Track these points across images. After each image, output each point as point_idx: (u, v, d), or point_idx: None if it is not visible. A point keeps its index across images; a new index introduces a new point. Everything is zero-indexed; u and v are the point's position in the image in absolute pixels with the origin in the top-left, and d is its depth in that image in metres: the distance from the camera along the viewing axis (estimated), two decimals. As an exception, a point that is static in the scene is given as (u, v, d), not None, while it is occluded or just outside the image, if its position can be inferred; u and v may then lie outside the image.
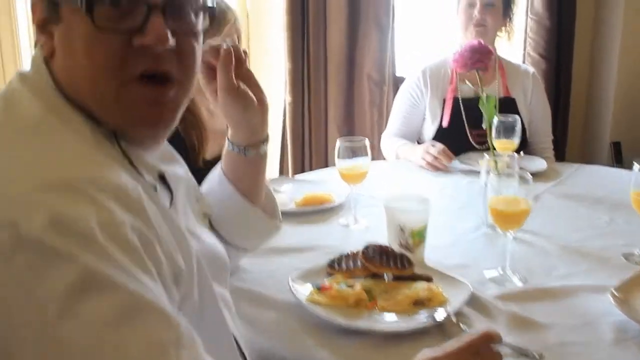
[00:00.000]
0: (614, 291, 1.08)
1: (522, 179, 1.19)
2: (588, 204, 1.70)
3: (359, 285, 1.09)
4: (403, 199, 1.33)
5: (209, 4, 0.77)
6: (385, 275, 1.13)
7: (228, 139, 1.09)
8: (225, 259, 0.95)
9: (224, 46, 0.97)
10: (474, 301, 1.10)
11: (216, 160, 1.72)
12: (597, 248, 1.38)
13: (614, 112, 3.03)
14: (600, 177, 2.02)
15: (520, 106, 2.26)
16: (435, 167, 2.02)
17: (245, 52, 1.02)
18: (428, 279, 1.14)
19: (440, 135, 2.21)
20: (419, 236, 1.27)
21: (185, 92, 0.77)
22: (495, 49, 2.25)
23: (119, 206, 0.61)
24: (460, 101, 2.21)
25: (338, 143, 1.53)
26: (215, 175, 1.13)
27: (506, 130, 1.84)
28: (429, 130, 2.26)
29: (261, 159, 1.09)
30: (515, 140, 1.85)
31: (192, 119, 1.56)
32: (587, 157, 3.09)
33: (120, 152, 0.73)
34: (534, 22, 2.93)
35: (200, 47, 0.78)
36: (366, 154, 1.52)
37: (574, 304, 1.12)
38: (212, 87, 1.01)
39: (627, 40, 2.95)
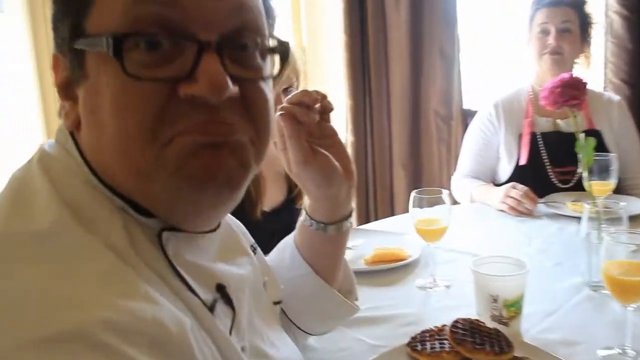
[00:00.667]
0: None
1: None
2: None
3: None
4: (494, 261, 1.14)
5: (281, 42, 0.60)
6: (479, 360, 0.95)
7: (305, 211, 0.92)
8: None
9: (289, 99, 0.82)
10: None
11: (275, 211, 1.63)
12: None
13: None
14: None
15: (607, 139, 2.03)
16: (519, 211, 1.82)
17: (329, 104, 0.85)
18: (532, 364, 0.95)
19: (519, 174, 2.01)
20: (515, 307, 1.08)
21: (259, 155, 0.61)
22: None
23: (149, 356, 0.44)
24: (538, 136, 2.02)
25: (413, 195, 1.36)
26: (288, 248, 0.96)
27: (601, 171, 1.64)
28: (505, 169, 2.07)
29: (343, 235, 0.92)
30: (612, 182, 1.65)
31: None
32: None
33: (166, 262, 0.56)
34: (614, 46, 2.71)
35: (272, 96, 0.61)
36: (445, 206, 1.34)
37: None
38: (286, 155, 0.84)
39: None
